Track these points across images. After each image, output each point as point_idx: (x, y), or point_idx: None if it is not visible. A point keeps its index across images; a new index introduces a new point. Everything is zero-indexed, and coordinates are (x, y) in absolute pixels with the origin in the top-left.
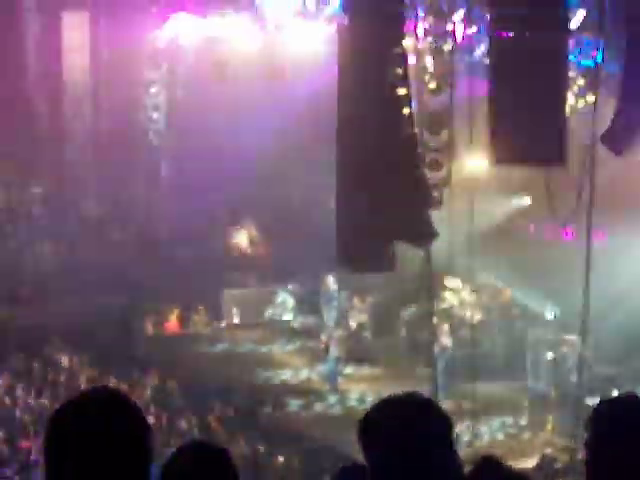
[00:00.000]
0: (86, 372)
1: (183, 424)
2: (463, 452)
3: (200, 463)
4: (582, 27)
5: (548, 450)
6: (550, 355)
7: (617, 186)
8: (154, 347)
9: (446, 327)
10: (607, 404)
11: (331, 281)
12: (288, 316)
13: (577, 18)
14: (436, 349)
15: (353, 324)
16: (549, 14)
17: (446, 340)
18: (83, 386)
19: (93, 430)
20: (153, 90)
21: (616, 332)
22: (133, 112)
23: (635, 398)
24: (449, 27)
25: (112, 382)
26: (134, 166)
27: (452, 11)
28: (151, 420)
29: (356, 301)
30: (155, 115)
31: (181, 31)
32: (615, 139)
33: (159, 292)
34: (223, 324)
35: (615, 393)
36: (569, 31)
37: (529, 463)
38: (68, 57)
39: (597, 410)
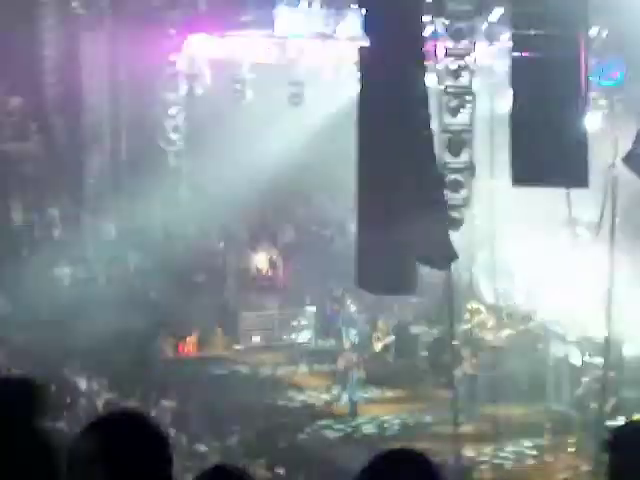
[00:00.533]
0: (104, 395)
1: (202, 448)
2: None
3: None
4: (603, 47)
5: (570, 473)
6: (572, 377)
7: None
8: (172, 370)
9: (467, 350)
10: (627, 427)
11: (350, 303)
12: (307, 339)
13: (598, 38)
14: (457, 372)
15: (378, 346)
16: (570, 34)
17: (467, 363)
18: (101, 410)
19: (116, 451)
20: (172, 111)
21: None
22: (152, 133)
23: None
24: (469, 46)
25: (131, 405)
26: (153, 187)
27: (472, 31)
28: (171, 443)
29: (380, 324)
30: (174, 136)
31: (199, 52)
32: (637, 160)
33: (177, 314)
34: (242, 346)
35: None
36: (590, 51)
37: None
38: (87, 78)
39: (617, 433)
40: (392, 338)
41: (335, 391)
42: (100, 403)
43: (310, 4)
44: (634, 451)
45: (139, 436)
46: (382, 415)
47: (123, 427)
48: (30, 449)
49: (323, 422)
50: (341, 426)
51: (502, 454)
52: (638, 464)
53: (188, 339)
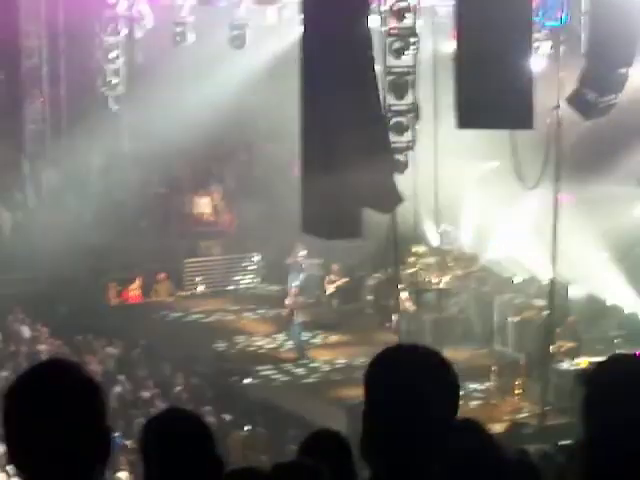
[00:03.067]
0: (48, 343)
1: (146, 394)
2: None
3: (179, 430)
4: None
5: (517, 415)
6: (517, 319)
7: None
8: (116, 316)
9: (411, 293)
10: (605, 362)
11: (298, 248)
12: (252, 284)
13: None
14: (402, 315)
15: (330, 288)
16: None
17: (412, 306)
18: (44, 357)
19: (45, 407)
20: (112, 55)
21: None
22: (92, 78)
23: (634, 358)
24: None
25: (75, 352)
26: (94, 132)
27: None
28: (117, 389)
29: (334, 267)
30: (114, 80)
31: None
32: (581, 101)
33: (121, 260)
34: (186, 293)
35: (582, 359)
36: None
37: (498, 428)
38: (24, 22)
39: (595, 367)
40: (346, 279)
41: (281, 336)
42: (43, 351)
43: None
44: (612, 383)
45: (68, 386)
46: (328, 359)
47: (52, 378)
48: None
49: (270, 367)
50: (287, 371)
51: None
52: (615, 397)
53: (132, 285)
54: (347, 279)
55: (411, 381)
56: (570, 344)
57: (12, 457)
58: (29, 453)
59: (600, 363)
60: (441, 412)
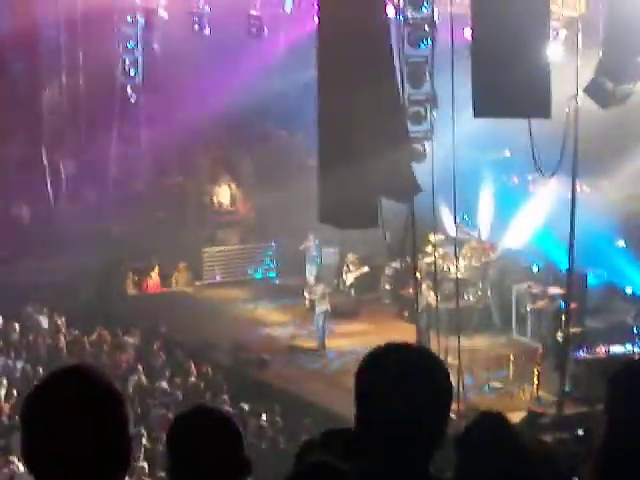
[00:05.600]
0: (66, 333)
1: (164, 384)
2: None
3: (207, 427)
4: None
5: (534, 404)
6: (535, 308)
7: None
8: (135, 306)
9: (429, 282)
10: (633, 362)
11: (313, 238)
12: (272, 274)
13: None
14: (420, 304)
15: (349, 278)
16: None
17: (428, 295)
18: (63, 348)
19: (66, 416)
20: (129, 45)
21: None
22: (109, 68)
23: None
24: None
25: (93, 342)
26: (112, 122)
27: None
28: (134, 378)
29: (350, 256)
30: (132, 71)
31: None
32: (599, 90)
33: (139, 250)
34: (204, 282)
35: (602, 347)
36: None
37: (515, 418)
38: (41, 12)
39: (621, 367)
40: (365, 269)
41: (301, 326)
42: (63, 340)
43: None
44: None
45: (91, 395)
46: (346, 349)
47: (73, 386)
48: None
49: (289, 356)
50: (307, 360)
51: (466, 386)
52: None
53: (150, 275)
54: (366, 269)
55: (397, 383)
56: (575, 329)
57: (31, 466)
58: (48, 462)
59: (627, 364)
60: (429, 413)
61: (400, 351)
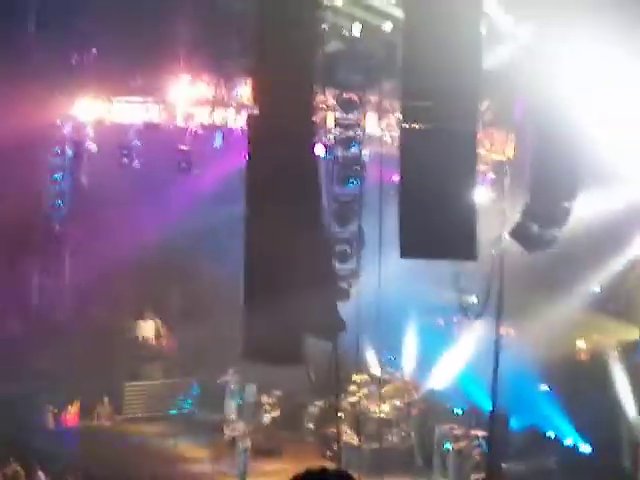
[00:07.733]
0: None
1: None
2: None
3: None
4: (492, 121)
5: None
6: (456, 449)
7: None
8: (52, 440)
9: (352, 422)
10: None
11: (232, 373)
12: (193, 409)
13: (488, 111)
14: (342, 444)
15: (267, 418)
16: (460, 107)
17: (351, 435)
18: None
19: None
20: (57, 176)
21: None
22: (35, 199)
23: None
24: (359, 117)
25: (8, 477)
26: (34, 252)
27: (363, 102)
28: None
29: (265, 397)
30: (59, 201)
31: (86, 116)
32: (525, 233)
33: (61, 382)
34: (125, 417)
35: None
36: (479, 125)
37: None
38: None
39: None
40: (277, 411)
41: (222, 462)
42: None
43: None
44: None
45: None
46: None
47: None
48: None
49: None
50: None
51: None
52: None
53: (69, 408)
54: (279, 410)
55: None
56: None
57: None
58: None
59: None
60: None
61: (320, 476)
